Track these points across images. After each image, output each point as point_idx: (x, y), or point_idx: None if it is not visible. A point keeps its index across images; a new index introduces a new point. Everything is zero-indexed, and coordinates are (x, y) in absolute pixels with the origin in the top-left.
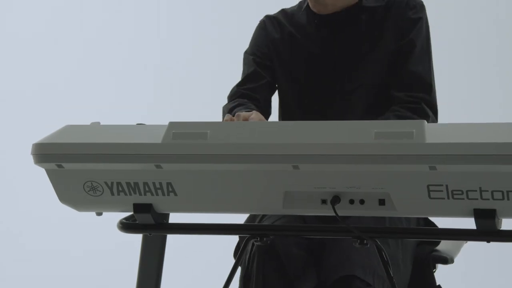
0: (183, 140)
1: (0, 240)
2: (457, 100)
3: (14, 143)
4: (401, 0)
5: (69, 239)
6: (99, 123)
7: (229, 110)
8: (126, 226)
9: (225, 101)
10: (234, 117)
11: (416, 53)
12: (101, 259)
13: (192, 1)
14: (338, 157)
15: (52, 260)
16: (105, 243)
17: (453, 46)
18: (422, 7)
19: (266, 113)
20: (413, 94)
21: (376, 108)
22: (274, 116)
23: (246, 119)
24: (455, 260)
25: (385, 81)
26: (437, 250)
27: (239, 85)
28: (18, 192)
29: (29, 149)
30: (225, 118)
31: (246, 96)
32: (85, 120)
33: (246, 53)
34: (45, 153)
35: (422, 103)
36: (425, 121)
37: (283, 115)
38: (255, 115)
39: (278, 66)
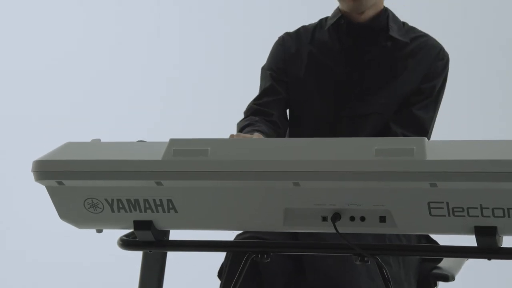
0: (184, 157)
1: (1, 253)
2: (457, 101)
3: (16, 156)
4: (433, 48)
5: (70, 252)
6: (99, 140)
7: (240, 129)
8: (126, 243)
9: (234, 108)
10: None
11: (427, 100)
12: (102, 272)
13: (203, 14)
14: (338, 174)
15: (53, 273)
16: (106, 256)
17: (452, 48)
18: (448, 60)
19: (283, 127)
20: (407, 134)
21: (384, 135)
22: None
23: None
24: (456, 277)
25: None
26: (438, 267)
27: (255, 99)
28: (19, 205)
29: (30, 165)
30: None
31: (260, 112)
32: (89, 136)
33: (263, 68)
34: (46, 170)
35: None
36: (426, 138)
37: (291, 130)
38: (256, 136)
39: (293, 81)
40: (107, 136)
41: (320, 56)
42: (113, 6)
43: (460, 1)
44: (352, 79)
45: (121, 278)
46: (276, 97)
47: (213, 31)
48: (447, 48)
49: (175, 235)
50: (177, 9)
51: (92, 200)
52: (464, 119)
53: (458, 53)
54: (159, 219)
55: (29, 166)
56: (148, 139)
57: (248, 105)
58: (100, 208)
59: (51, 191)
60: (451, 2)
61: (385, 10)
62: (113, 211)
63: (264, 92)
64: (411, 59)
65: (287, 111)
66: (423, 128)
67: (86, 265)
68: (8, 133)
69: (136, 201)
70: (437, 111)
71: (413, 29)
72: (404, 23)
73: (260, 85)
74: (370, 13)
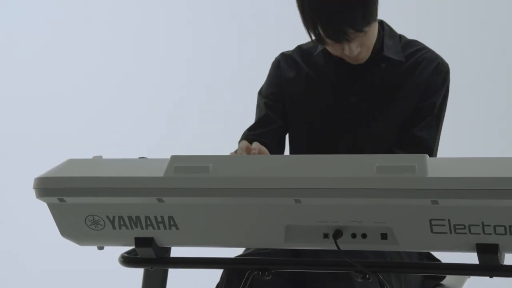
0: (185, 173)
1: (2, 260)
2: (458, 116)
3: (19, 172)
4: (430, 61)
5: (71, 258)
6: (101, 157)
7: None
8: (128, 260)
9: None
10: (238, 150)
11: (428, 118)
12: (104, 279)
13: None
14: (340, 191)
15: (54, 279)
16: (108, 262)
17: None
18: (448, 72)
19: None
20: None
21: None
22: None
23: (248, 148)
24: None
25: (394, 138)
26: (440, 285)
27: (250, 129)
28: (19, 213)
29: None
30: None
31: (256, 141)
32: (90, 153)
33: (259, 94)
34: (47, 187)
35: None
36: (427, 155)
37: (290, 151)
38: (255, 144)
39: (291, 106)
40: (109, 153)
41: (317, 81)
42: (123, 26)
43: (466, 21)
44: (350, 105)
45: (123, 285)
46: (271, 127)
47: (222, 53)
48: (451, 61)
49: (176, 251)
50: (189, 28)
51: (93, 217)
52: (464, 134)
53: (461, 68)
54: (161, 236)
55: (31, 182)
56: (150, 156)
57: (243, 134)
58: (101, 225)
59: (53, 208)
60: (457, 22)
61: (379, 25)
62: (114, 228)
63: (258, 122)
64: (409, 77)
65: (286, 135)
66: (428, 149)
67: (87, 271)
68: (13, 149)
69: (138, 218)
70: (441, 126)
71: (410, 43)
72: (401, 37)
73: (256, 111)
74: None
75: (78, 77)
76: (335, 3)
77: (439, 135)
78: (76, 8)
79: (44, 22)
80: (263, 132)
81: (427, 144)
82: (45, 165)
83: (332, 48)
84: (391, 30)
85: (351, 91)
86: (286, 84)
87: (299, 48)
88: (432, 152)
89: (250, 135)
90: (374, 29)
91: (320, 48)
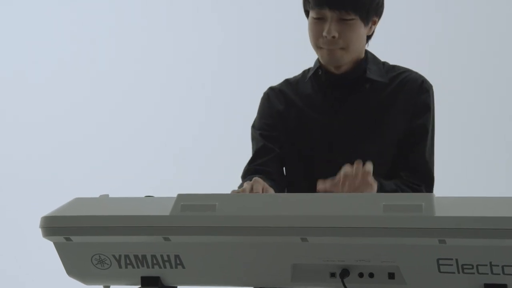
0: (192, 212)
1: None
2: (465, 154)
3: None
4: (414, 82)
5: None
6: (107, 195)
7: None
8: None
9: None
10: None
11: (428, 143)
12: None
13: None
14: (347, 229)
15: None
16: None
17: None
18: (432, 89)
19: (281, 183)
20: (415, 181)
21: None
22: None
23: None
24: None
25: (388, 160)
26: None
27: (250, 162)
28: (28, 241)
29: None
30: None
31: (259, 171)
32: (97, 192)
33: (253, 127)
34: (54, 226)
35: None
36: (434, 194)
37: (288, 183)
38: (256, 185)
39: (284, 137)
40: (115, 192)
41: (306, 110)
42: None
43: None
44: (340, 130)
45: None
46: (270, 156)
47: (239, 94)
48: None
49: None
50: (209, 70)
51: (99, 256)
52: (470, 170)
53: (469, 102)
54: (167, 275)
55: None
56: (156, 194)
57: (244, 169)
58: (107, 264)
59: (59, 247)
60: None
61: (365, 53)
62: (120, 267)
63: (257, 153)
64: (394, 98)
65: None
66: (431, 177)
67: None
68: (22, 188)
69: (144, 256)
70: (433, 138)
71: (393, 67)
72: (384, 63)
73: (252, 145)
74: (348, 66)
75: (91, 116)
76: None
77: (433, 147)
78: (90, 50)
79: (57, 62)
80: (264, 162)
81: (430, 173)
82: (53, 204)
83: (314, 28)
84: (374, 57)
85: (339, 118)
86: (278, 115)
87: (287, 81)
88: (433, 181)
89: (252, 167)
90: (362, 31)
91: (308, 77)
